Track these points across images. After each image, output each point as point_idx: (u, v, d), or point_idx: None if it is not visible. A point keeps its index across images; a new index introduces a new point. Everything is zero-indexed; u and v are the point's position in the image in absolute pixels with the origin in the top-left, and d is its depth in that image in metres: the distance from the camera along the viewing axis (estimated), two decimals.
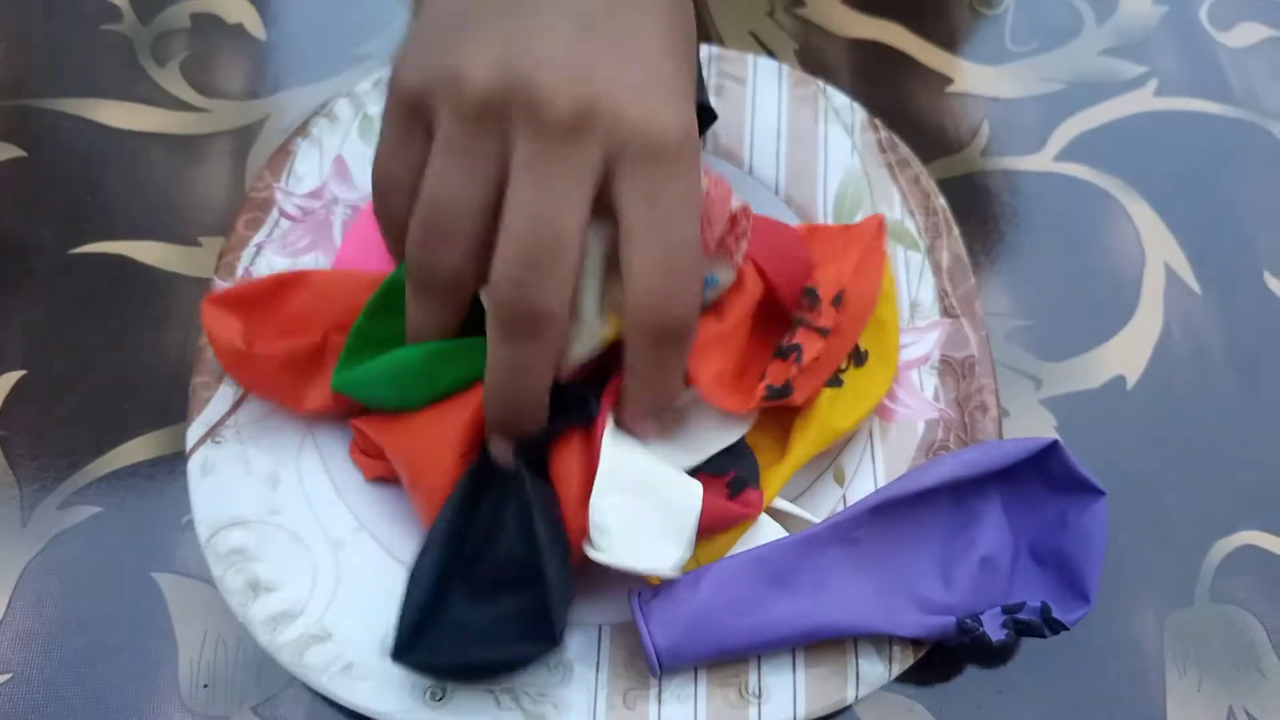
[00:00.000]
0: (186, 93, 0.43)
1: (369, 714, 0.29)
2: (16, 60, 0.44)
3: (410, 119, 0.27)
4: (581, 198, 0.25)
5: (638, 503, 0.28)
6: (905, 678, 0.32)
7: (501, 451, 0.29)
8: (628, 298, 0.26)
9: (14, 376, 0.36)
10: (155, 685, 0.31)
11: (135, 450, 0.35)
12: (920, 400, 0.34)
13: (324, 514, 0.32)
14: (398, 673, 0.29)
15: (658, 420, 0.30)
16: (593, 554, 0.28)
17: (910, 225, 0.38)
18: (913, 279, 0.37)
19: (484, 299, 0.27)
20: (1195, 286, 0.40)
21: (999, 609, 0.30)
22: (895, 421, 0.34)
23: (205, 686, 0.31)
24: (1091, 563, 0.30)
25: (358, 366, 0.31)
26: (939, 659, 0.32)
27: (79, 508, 0.34)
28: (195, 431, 0.33)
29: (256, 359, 0.31)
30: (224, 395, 0.33)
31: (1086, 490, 0.31)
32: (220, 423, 0.33)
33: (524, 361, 0.26)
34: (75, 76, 0.43)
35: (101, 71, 0.44)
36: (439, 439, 0.30)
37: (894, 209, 0.38)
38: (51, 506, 0.34)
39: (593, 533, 0.28)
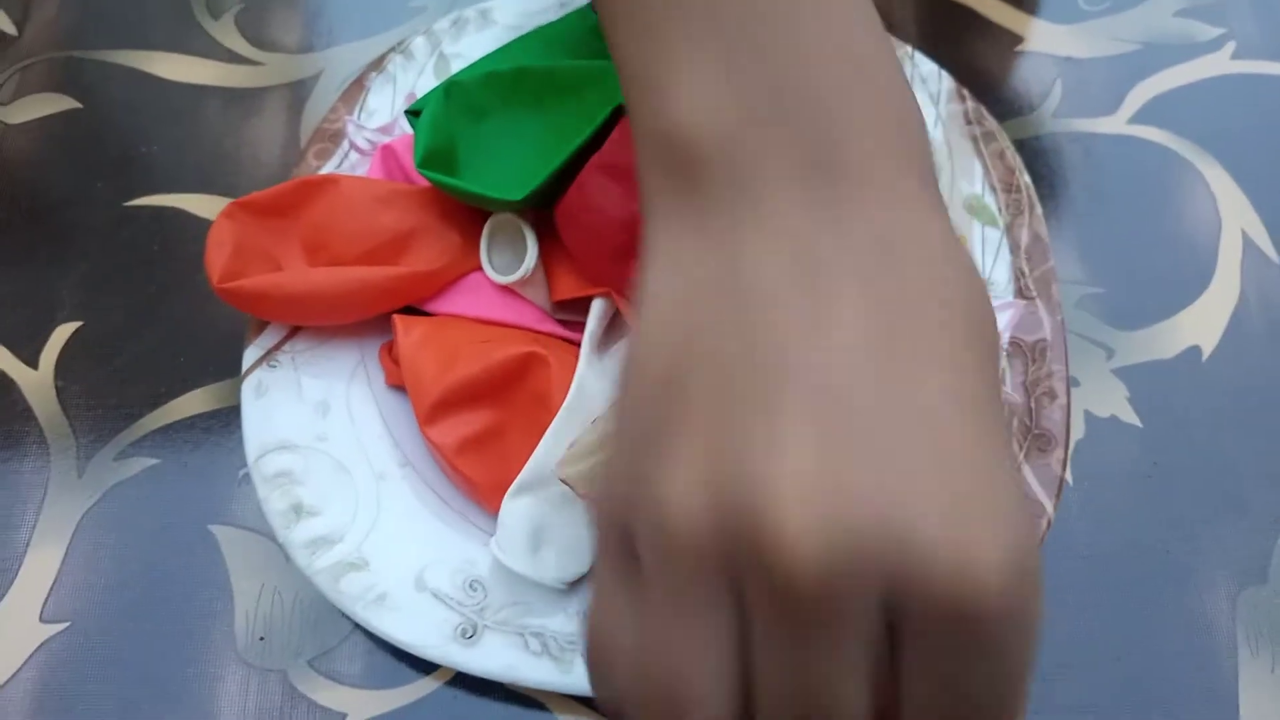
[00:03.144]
0: (241, 45, 0.42)
1: (399, 645, 0.29)
2: (71, 12, 0.43)
3: (623, 556, 0.19)
4: (855, 686, 0.16)
5: (548, 509, 0.29)
6: None
7: None
8: None
9: (70, 328, 0.36)
10: (211, 637, 0.31)
11: (191, 403, 0.35)
12: None
13: (370, 446, 0.32)
14: (430, 608, 0.29)
15: None
16: (493, 550, 0.29)
17: (990, 201, 0.37)
18: (988, 257, 0.36)
19: None
20: (1273, 255, 0.39)
21: None
22: None
23: (261, 639, 0.31)
24: None
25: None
26: None
27: (135, 459, 0.34)
28: (251, 354, 0.33)
29: (228, 293, 0.31)
30: None
31: None
32: (277, 347, 0.33)
33: None
34: (130, 29, 0.43)
35: (156, 24, 0.43)
36: (441, 371, 0.30)
37: (974, 183, 0.37)
38: (108, 458, 0.34)
39: (498, 530, 0.29)
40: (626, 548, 0.19)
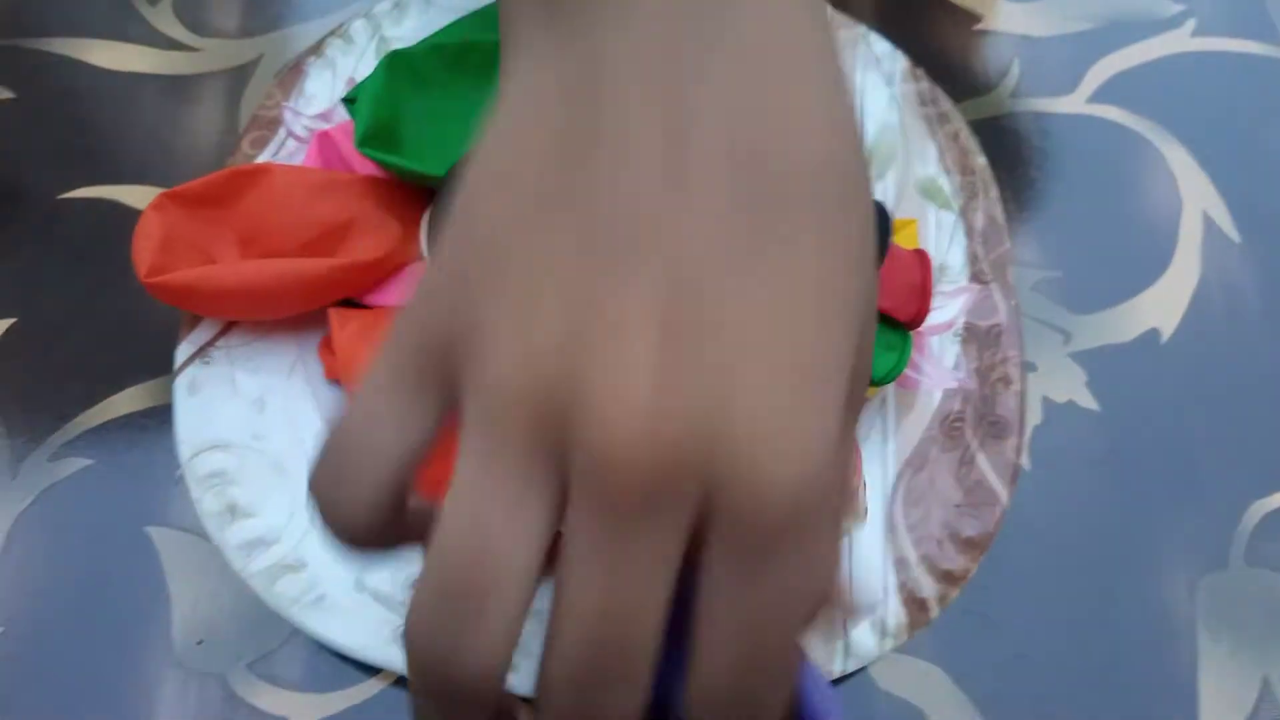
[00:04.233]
0: (179, 31, 0.41)
1: (338, 649, 0.28)
2: None
3: (419, 370, 0.18)
4: (663, 585, 0.17)
5: None
6: (922, 642, 0.31)
7: None
8: (689, 692, 0.18)
9: (3, 325, 0.35)
10: (148, 642, 0.30)
11: (128, 401, 0.34)
12: (939, 369, 0.33)
13: (309, 443, 0.31)
14: (371, 609, 0.28)
15: None
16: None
17: (944, 183, 0.36)
18: (942, 240, 0.35)
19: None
20: (1234, 236, 0.38)
21: None
22: (910, 389, 0.33)
23: (199, 643, 0.30)
24: None
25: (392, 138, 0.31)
26: (955, 622, 0.31)
27: (70, 460, 0.33)
28: (184, 350, 0.32)
29: (155, 287, 0.30)
30: None
31: None
32: (211, 343, 0.32)
33: None
34: (65, 16, 0.42)
35: (92, 10, 0.42)
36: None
37: (929, 165, 0.36)
38: (42, 458, 0.33)
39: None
40: (429, 367, 0.17)
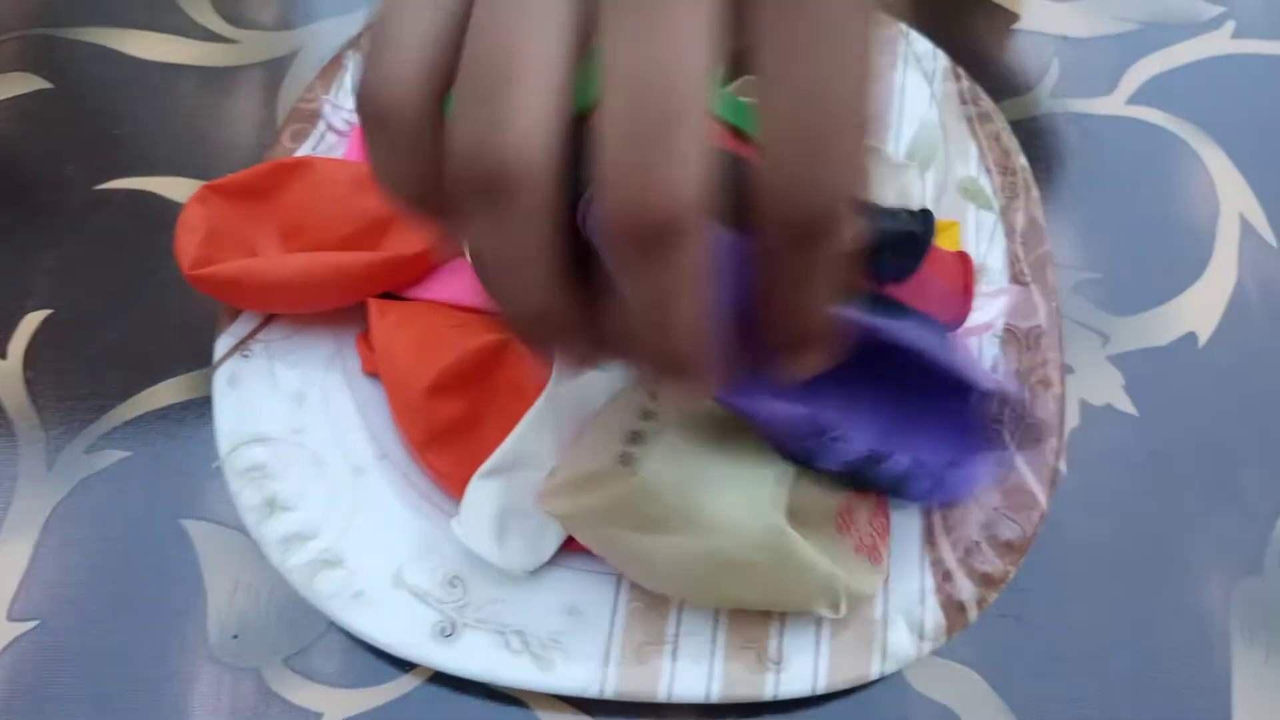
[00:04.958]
0: (216, 23, 0.41)
1: (376, 644, 0.28)
2: None
3: None
4: (698, 29, 0.16)
5: (517, 494, 0.28)
6: (958, 645, 0.31)
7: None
8: (756, 176, 0.17)
9: (40, 315, 0.35)
10: (183, 635, 0.30)
11: (165, 393, 0.34)
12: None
13: (346, 438, 0.31)
14: (408, 606, 0.28)
15: (798, 353, 0.20)
16: (454, 529, 0.28)
17: (985, 183, 0.36)
18: (982, 241, 0.35)
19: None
20: (1271, 240, 0.38)
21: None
22: None
23: (235, 637, 0.30)
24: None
25: None
26: (990, 625, 0.30)
27: (106, 452, 0.33)
28: (224, 343, 0.32)
29: (198, 280, 0.30)
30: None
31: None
32: (250, 336, 0.32)
33: (663, 290, 0.17)
34: (103, 6, 0.42)
35: (130, 0, 0.42)
36: (418, 357, 0.30)
37: (969, 165, 0.36)
38: (78, 450, 0.33)
39: (462, 510, 0.28)
40: None
